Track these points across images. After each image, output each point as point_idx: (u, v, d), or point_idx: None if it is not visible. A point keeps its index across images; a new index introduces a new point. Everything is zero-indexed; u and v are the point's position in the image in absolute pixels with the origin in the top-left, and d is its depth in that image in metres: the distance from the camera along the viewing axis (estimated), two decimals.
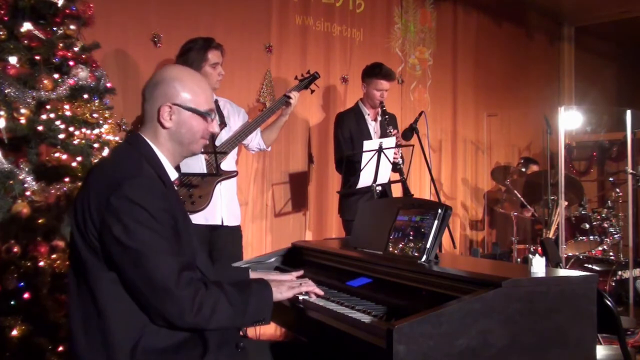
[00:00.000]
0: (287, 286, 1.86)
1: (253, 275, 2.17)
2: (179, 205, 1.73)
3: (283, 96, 3.45)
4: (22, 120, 2.55)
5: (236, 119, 3.42)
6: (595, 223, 5.06)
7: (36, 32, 2.66)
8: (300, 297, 1.95)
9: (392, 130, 3.89)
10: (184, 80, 1.73)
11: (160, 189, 1.62)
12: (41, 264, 2.54)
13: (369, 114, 4.08)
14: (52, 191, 2.60)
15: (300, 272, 2.25)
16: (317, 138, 4.76)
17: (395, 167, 3.78)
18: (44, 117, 2.63)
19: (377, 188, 3.66)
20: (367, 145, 3.55)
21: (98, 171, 1.68)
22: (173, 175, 1.76)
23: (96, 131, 2.81)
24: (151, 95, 1.73)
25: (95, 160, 2.73)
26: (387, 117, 3.96)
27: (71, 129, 2.70)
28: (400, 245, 2.10)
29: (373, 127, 4.08)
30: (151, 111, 1.73)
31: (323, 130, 4.78)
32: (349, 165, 3.68)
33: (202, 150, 1.88)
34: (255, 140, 3.52)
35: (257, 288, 1.73)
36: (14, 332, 2.43)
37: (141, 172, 1.61)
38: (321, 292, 1.98)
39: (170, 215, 1.59)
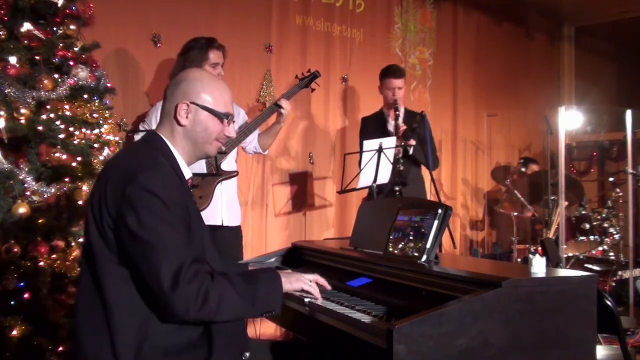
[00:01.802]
0: (296, 278, 1.81)
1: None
2: (192, 201, 1.74)
3: (274, 105, 3.43)
4: (22, 120, 2.55)
5: (237, 119, 3.42)
6: (595, 223, 5.06)
7: (36, 32, 2.66)
8: (306, 300, 1.93)
9: (400, 124, 3.90)
10: (205, 82, 1.76)
11: (176, 182, 1.64)
12: (41, 264, 2.54)
13: (389, 115, 4.11)
14: (52, 191, 2.60)
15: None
16: (317, 138, 4.76)
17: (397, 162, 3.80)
18: (44, 117, 2.64)
19: (395, 188, 3.69)
20: (367, 145, 3.55)
21: (115, 165, 1.69)
22: (187, 174, 1.76)
23: (96, 131, 2.81)
24: (172, 93, 1.76)
25: (95, 160, 2.73)
26: (397, 112, 3.97)
27: (71, 129, 2.70)
28: (400, 245, 2.10)
29: (394, 126, 4.05)
30: (169, 108, 1.75)
31: (323, 130, 4.79)
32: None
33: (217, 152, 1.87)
34: (253, 142, 3.52)
35: (266, 278, 1.71)
36: (14, 332, 2.44)
37: (157, 165, 1.62)
38: (328, 287, 1.93)
39: (183, 208, 1.60)
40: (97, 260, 1.58)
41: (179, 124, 1.73)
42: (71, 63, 2.76)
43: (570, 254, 5.00)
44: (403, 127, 3.88)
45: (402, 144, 3.86)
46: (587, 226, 4.99)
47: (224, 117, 1.76)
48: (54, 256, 2.58)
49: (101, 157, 2.77)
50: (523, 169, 5.85)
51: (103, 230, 1.57)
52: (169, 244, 1.52)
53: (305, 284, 1.82)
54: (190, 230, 1.62)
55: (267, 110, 3.46)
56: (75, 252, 2.63)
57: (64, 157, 2.64)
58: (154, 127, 3.12)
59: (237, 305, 1.59)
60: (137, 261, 1.53)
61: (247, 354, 1.73)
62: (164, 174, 1.60)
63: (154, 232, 1.52)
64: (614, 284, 4.85)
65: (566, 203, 4.60)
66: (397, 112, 3.95)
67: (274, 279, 1.72)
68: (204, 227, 1.78)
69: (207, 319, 1.57)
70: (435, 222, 2.01)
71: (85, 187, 2.66)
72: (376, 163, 3.57)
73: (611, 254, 5.14)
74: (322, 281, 1.91)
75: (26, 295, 2.52)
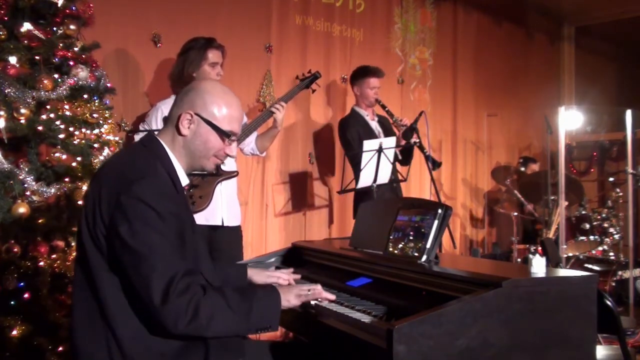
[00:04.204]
0: (295, 294, 1.77)
1: (250, 272, 2.13)
2: (187, 210, 1.71)
3: (268, 110, 3.42)
4: (22, 120, 2.55)
5: None
6: (595, 223, 5.06)
7: (36, 32, 2.66)
8: (313, 302, 1.89)
9: (400, 119, 3.97)
10: (216, 96, 1.71)
11: (171, 192, 1.61)
12: (41, 264, 2.54)
13: (367, 115, 4.15)
14: (52, 191, 2.60)
15: (290, 270, 2.21)
16: (317, 138, 4.76)
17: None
18: (44, 117, 2.64)
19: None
20: (367, 145, 3.56)
21: (111, 169, 1.66)
22: (184, 180, 1.73)
23: (96, 131, 2.81)
24: (180, 100, 1.73)
25: (95, 160, 2.73)
26: (387, 108, 4.02)
27: (71, 129, 2.70)
28: (400, 245, 2.10)
29: (375, 126, 4.14)
30: (174, 114, 1.72)
31: (323, 130, 4.79)
32: (357, 166, 3.71)
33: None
34: (251, 144, 3.52)
35: (263, 294, 1.68)
36: (14, 332, 2.43)
37: (154, 173, 1.60)
38: (332, 297, 1.88)
39: (177, 219, 1.57)
40: (91, 264, 1.57)
41: (179, 133, 1.69)
42: (71, 63, 2.75)
43: (570, 254, 5.00)
44: (406, 120, 3.95)
45: (404, 143, 3.88)
46: (587, 226, 4.99)
47: (226, 136, 1.71)
48: (54, 256, 2.58)
49: (101, 157, 2.77)
50: (523, 169, 5.86)
51: (96, 236, 1.56)
52: (160, 255, 1.50)
53: (304, 298, 1.79)
54: (184, 242, 1.59)
55: (264, 113, 3.46)
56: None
57: (64, 157, 2.64)
58: (153, 127, 3.13)
59: (230, 321, 1.56)
60: (129, 271, 1.51)
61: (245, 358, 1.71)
62: (159, 184, 1.58)
63: (146, 244, 1.49)
64: (614, 284, 4.85)
65: (566, 203, 4.60)
66: (387, 109, 4.00)
67: (271, 296, 1.69)
68: (199, 237, 1.74)
69: (196, 333, 1.53)
70: (435, 222, 2.00)
71: (85, 187, 2.66)
72: (376, 163, 3.57)
73: (611, 254, 5.14)
74: (323, 295, 1.84)
75: (26, 295, 2.52)
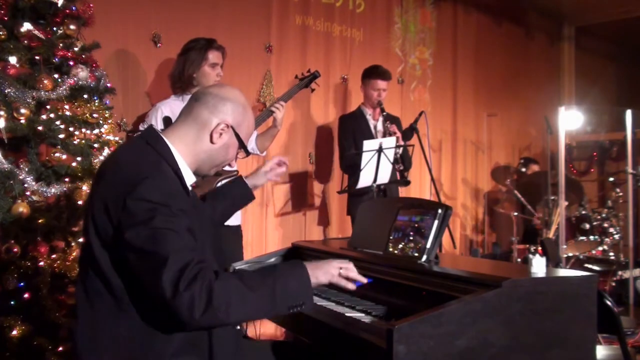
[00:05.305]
0: (324, 271, 1.64)
1: (249, 181, 2.19)
2: (196, 209, 1.68)
3: (268, 110, 3.42)
4: (22, 120, 2.55)
5: None
6: (595, 223, 5.06)
7: (36, 32, 2.66)
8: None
9: (389, 125, 3.96)
10: (247, 112, 1.75)
11: (177, 190, 1.59)
12: (41, 264, 2.54)
13: (370, 114, 4.18)
14: (53, 191, 2.60)
15: (278, 158, 2.29)
16: (317, 138, 4.76)
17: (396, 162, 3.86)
18: (44, 117, 2.64)
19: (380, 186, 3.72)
20: (367, 145, 3.56)
21: (116, 168, 1.62)
22: (191, 179, 1.71)
23: (96, 131, 2.81)
24: (215, 106, 1.69)
25: (95, 160, 2.73)
26: (384, 113, 4.04)
27: (71, 129, 2.70)
28: (400, 245, 2.10)
29: (374, 125, 4.16)
30: (207, 118, 1.68)
31: (323, 129, 4.79)
32: (353, 165, 3.73)
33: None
34: (251, 144, 3.52)
35: (286, 269, 1.58)
36: (14, 332, 2.43)
37: (158, 173, 1.56)
38: (364, 280, 1.73)
39: (186, 215, 1.54)
40: (100, 263, 1.54)
41: (211, 140, 1.68)
42: (71, 63, 2.76)
43: (570, 254, 5.00)
44: (393, 126, 3.95)
45: (403, 144, 3.89)
46: (587, 226, 4.99)
47: (245, 152, 1.77)
48: (54, 256, 2.58)
49: (101, 157, 2.77)
50: (523, 169, 5.86)
51: (105, 236, 1.53)
52: (169, 250, 1.44)
53: (334, 277, 1.65)
54: (195, 237, 1.54)
55: (264, 113, 3.46)
56: (75, 252, 2.63)
57: (64, 157, 2.64)
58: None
59: (251, 303, 1.47)
60: (138, 271, 1.48)
61: None
62: (164, 182, 1.54)
63: (155, 241, 1.45)
64: (614, 284, 4.85)
65: (566, 203, 4.60)
66: (384, 113, 4.03)
67: (296, 270, 1.58)
68: (207, 239, 1.70)
69: (216, 321, 1.44)
70: (435, 222, 2.00)
71: (85, 187, 2.66)
72: (376, 163, 3.57)
73: (611, 254, 5.14)
74: (353, 274, 1.70)
75: (26, 295, 2.52)
